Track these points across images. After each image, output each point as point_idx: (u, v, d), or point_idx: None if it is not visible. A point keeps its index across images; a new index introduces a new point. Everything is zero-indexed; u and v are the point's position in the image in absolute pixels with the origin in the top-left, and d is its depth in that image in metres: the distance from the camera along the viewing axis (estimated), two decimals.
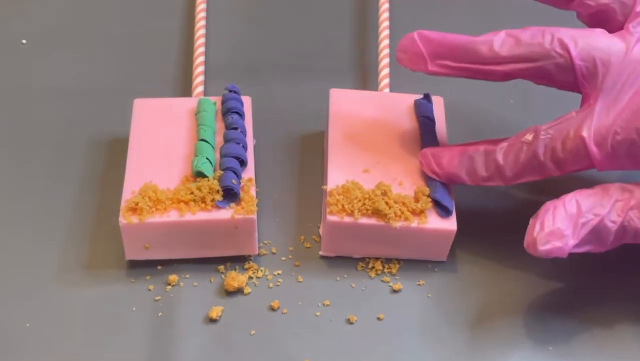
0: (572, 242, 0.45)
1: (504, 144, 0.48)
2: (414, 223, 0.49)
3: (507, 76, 0.48)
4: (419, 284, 0.50)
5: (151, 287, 0.49)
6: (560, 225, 0.45)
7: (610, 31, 0.48)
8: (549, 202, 0.46)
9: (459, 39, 0.48)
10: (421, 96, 0.55)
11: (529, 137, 0.48)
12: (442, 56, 0.48)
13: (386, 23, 0.61)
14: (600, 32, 0.48)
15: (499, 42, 0.47)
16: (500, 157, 0.48)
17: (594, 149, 0.46)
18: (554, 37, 0.47)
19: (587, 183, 0.48)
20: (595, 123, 0.46)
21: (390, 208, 0.49)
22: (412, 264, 0.51)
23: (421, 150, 0.51)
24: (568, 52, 0.47)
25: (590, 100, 0.47)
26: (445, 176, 0.50)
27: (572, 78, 0.47)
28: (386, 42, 0.60)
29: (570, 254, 0.45)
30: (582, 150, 0.46)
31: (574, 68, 0.47)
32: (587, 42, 0.47)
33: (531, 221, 0.46)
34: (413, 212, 0.49)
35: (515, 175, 0.48)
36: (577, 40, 0.47)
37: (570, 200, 0.45)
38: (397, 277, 0.50)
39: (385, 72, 0.58)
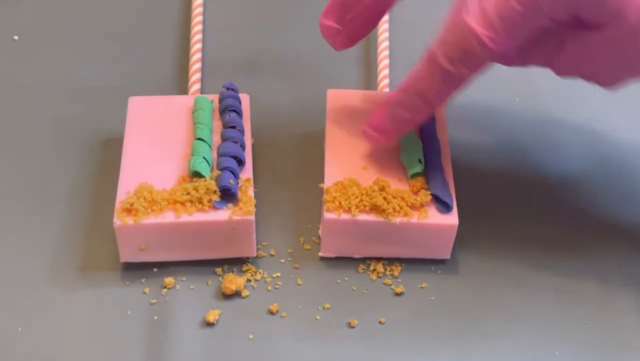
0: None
1: (410, 77, 0.47)
2: (414, 218, 0.48)
3: None
4: (422, 287, 0.49)
5: (147, 290, 0.49)
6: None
7: None
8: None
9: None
10: None
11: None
12: (344, 14, 0.49)
13: (385, 18, 0.61)
14: None
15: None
16: (416, 90, 0.47)
17: (481, 30, 0.43)
18: None
19: None
20: (472, 2, 0.43)
21: (388, 203, 0.48)
22: (414, 267, 0.50)
23: (362, 130, 0.51)
24: None
25: None
26: (390, 138, 0.49)
27: None
28: (386, 42, 0.60)
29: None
30: (471, 37, 0.43)
31: None
32: None
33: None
34: (412, 206, 0.48)
35: (437, 95, 0.46)
36: None
37: None
38: (400, 280, 0.50)
39: (385, 71, 0.58)
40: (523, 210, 0.53)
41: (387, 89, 0.57)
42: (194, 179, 0.49)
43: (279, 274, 0.50)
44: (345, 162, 0.51)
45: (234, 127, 0.51)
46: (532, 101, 0.60)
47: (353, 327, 0.48)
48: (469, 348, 0.47)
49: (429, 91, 0.46)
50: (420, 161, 0.50)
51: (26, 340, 0.46)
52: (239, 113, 0.52)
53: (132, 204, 0.47)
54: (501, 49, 0.44)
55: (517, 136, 0.58)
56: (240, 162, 0.50)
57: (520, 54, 0.46)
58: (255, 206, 0.49)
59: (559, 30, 0.45)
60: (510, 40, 0.44)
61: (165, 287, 0.49)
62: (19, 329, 0.47)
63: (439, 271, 0.50)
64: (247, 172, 0.50)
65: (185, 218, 0.47)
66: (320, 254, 0.50)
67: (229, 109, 0.52)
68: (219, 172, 0.49)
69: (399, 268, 0.50)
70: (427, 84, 0.46)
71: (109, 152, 0.55)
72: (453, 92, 0.46)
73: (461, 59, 0.44)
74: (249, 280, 0.49)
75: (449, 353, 0.47)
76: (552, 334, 0.48)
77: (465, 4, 0.44)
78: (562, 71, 0.47)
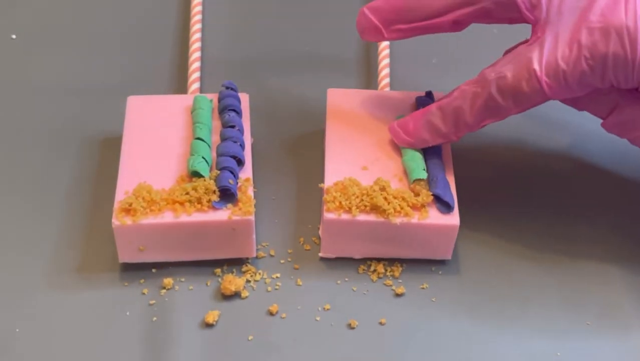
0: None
1: (456, 94, 0.49)
2: (415, 218, 0.48)
3: (456, 24, 0.49)
4: (423, 288, 0.49)
5: (145, 291, 0.48)
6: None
7: None
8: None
9: (403, 0, 0.49)
10: (422, 93, 0.54)
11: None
12: (393, 22, 0.49)
13: None
14: None
15: None
16: (456, 107, 0.48)
17: (546, 80, 0.46)
18: None
19: None
20: (546, 55, 0.46)
21: (389, 203, 0.48)
22: (415, 267, 0.50)
23: (389, 126, 0.51)
24: None
25: (538, 32, 0.47)
26: (416, 142, 0.50)
27: (517, 13, 0.47)
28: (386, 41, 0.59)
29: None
30: (535, 83, 0.46)
31: (517, 3, 0.47)
32: None
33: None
34: (413, 207, 0.48)
35: (476, 120, 0.48)
36: None
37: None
38: (400, 280, 0.49)
39: (386, 70, 0.58)
40: (524, 211, 0.53)
41: (387, 89, 0.56)
42: (193, 179, 0.48)
43: (278, 275, 0.49)
44: (346, 162, 0.50)
45: (233, 126, 0.51)
46: None
47: (353, 328, 0.47)
48: (470, 349, 0.47)
49: (469, 110, 0.48)
50: (424, 169, 0.49)
51: (23, 341, 0.46)
52: (238, 112, 0.52)
53: (130, 204, 0.47)
54: (556, 98, 0.47)
55: (519, 136, 0.57)
56: (240, 162, 0.49)
57: (573, 103, 0.49)
58: (255, 206, 0.48)
59: (617, 93, 0.47)
60: (568, 93, 0.46)
61: (164, 288, 0.48)
62: (17, 330, 0.46)
63: (440, 272, 0.50)
64: (246, 172, 0.50)
65: (184, 218, 0.47)
66: (320, 254, 0.50)
67: (228, 108, 0.52)
68: (218, 172, 0.48)
69: (400, 269, 0.50)
70: (469, 104, 0.48)
71: (107, 152, 0.54)
72: (490, 121, 0.48)
73: (513, 95, 0.47)
74: (248, 281, 0.49)
75: (449, 354, 0.47)
76: (554, 335, 0.47)
77: (541, 49, 0.46)
78: (610, 129, 0.49)
